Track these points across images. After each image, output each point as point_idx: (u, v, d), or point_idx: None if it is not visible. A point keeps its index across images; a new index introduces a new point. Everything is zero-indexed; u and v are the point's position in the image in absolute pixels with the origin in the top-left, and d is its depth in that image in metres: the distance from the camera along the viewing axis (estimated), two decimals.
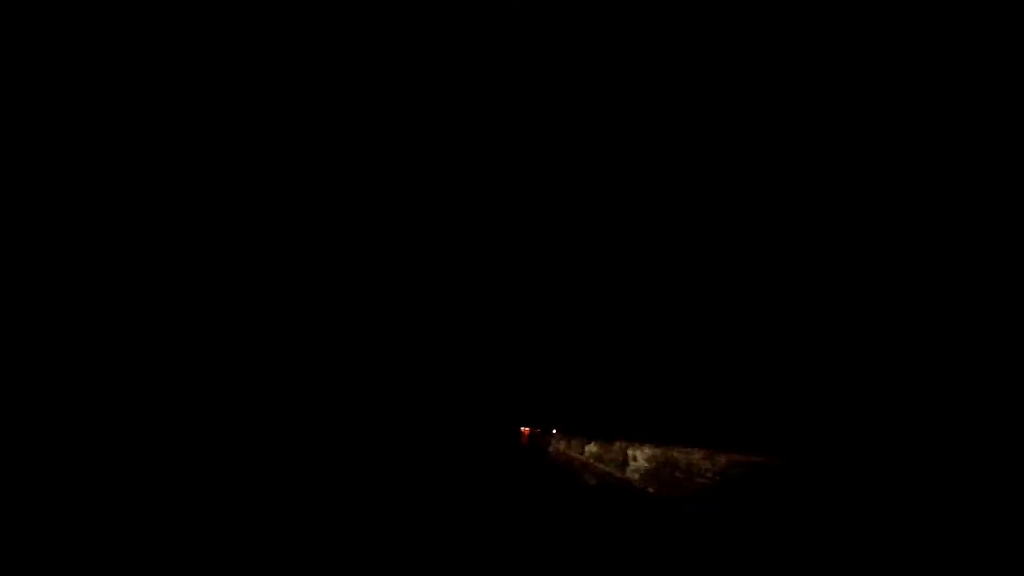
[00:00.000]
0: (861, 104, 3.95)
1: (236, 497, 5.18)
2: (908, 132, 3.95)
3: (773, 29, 3.76)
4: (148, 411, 5.30)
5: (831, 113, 4.03)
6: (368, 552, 3.92)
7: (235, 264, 4.89)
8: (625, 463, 10.23)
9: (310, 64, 4.09)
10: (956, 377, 4.35)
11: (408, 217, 4.79)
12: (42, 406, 4.91)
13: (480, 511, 5.44)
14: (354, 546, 4.05)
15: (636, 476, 8.54)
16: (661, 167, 4.37)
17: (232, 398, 5.49)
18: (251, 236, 4.88)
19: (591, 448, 11.16)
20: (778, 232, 4.41)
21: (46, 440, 4.96)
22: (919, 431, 4.68)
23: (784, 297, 4.59)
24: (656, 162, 4.36)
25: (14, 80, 3.93)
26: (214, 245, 4.92)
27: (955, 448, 4.61)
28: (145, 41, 3.85)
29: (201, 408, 5.36)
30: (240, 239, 4.88)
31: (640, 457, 9.89)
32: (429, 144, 4.50)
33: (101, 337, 4.83)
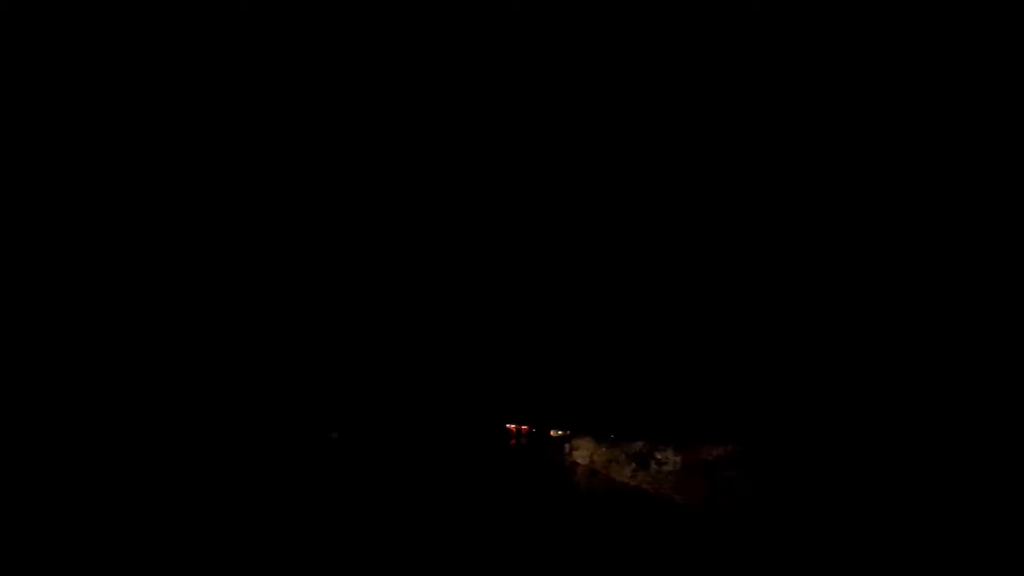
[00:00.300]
0: (862, 105, 3.95)
1: (228, 495, 5.16)
2: (911, 133, 3.96)
3: (773, 29, 3.76)
4: (148, 411, 5.29)
5: (831, 114, 4.03)
6: (361, 552, 3.91)
7: (229, 263, 4.90)
8: (639, 466, 10.16)
9: (310, 64, 4.09)
10: (957, 375, 4.35)
11: (401, 216, 4.80)
12: (42, 406, 4.90)
13: (477, 517, 5.41)
14: (346, 547, 4.04)
15: (651, 480, 8.35)
16: (659, 167, 4.38)
17: (222, 394, 5.48)
18: (245, 235, 4.88)
19: (599, 450, 11.06)
20: (779, 231, 4.41)
21: (46, 440, 4.95)
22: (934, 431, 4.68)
23: (795, 291, 4.58)
24: (654, 162, 4.37)
25: (14, 80, 3.93)
26: (213, 245, 4.92)
27: (967, 448, 4.61)
28: (145, 41, 3.85)
29: (192, 406, 5.35)
30: (236, 239, 4.88)
31: (656, 460, 9.77)
32: (424, 143, 4.51)
33: (101, 337, 4.83)
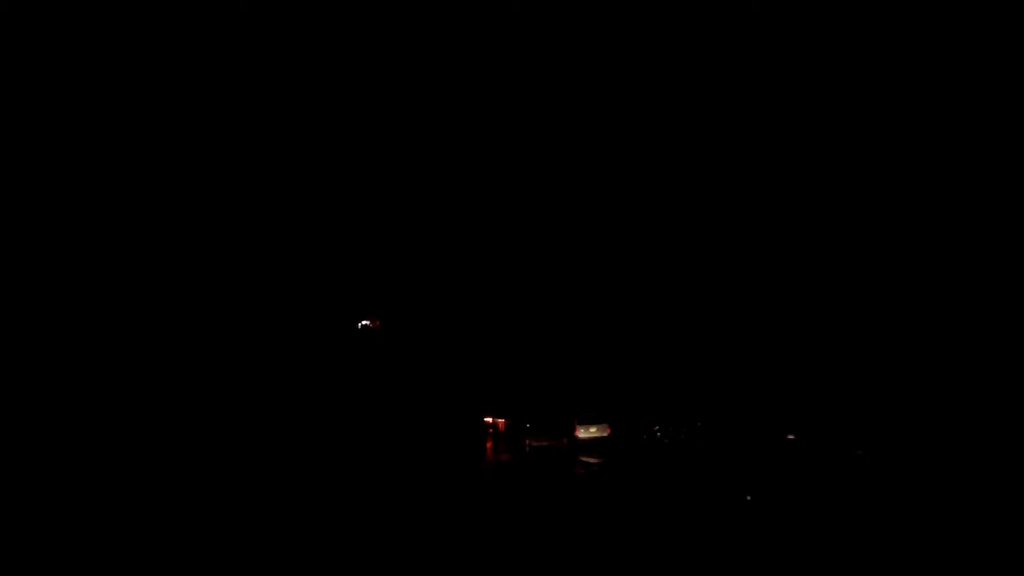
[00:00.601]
0: (860, 104, 3.94)
1: (217, 491, 5.14)
2: (907, 132, 3.95)
3: (773, 29, 3.76)
4: (148, 411, 5.28)
5: (830, 113, 4.02)
6: (355, 549, 3.91)
7: (228, 265, 4.90)
8: (606, 450, 10.11)
9: (310, 64, 4.08)
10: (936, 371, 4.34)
11: (394, 216, 4.78)
12: (42, 406, 4.90)
13: (468, 506, 5.39)
14: (340, 544, 4.04)
15: (621, 463, 8.35)
16: (648, 167, 4.37)
17: (213, 392, 5.47)
18: (237, 234, 4.88)
19: (583, 433, 10.97)
20: (779, 231, 4.41)
21: (46, 440, 4.94)
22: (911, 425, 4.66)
23: (767, 297, 4.58)
24: (643, 162, 4.36)
25: (14, 80, 3.94)
26: (210, 245, 4.92)
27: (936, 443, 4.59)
28: (145, 41, 3.84)
29: (184, 403, 5.32)
30: (228, 238, 4.87)
31: (623, 444, 9.71)
32: (418, 147, 4.50)
33: (101, 337, 4.82)
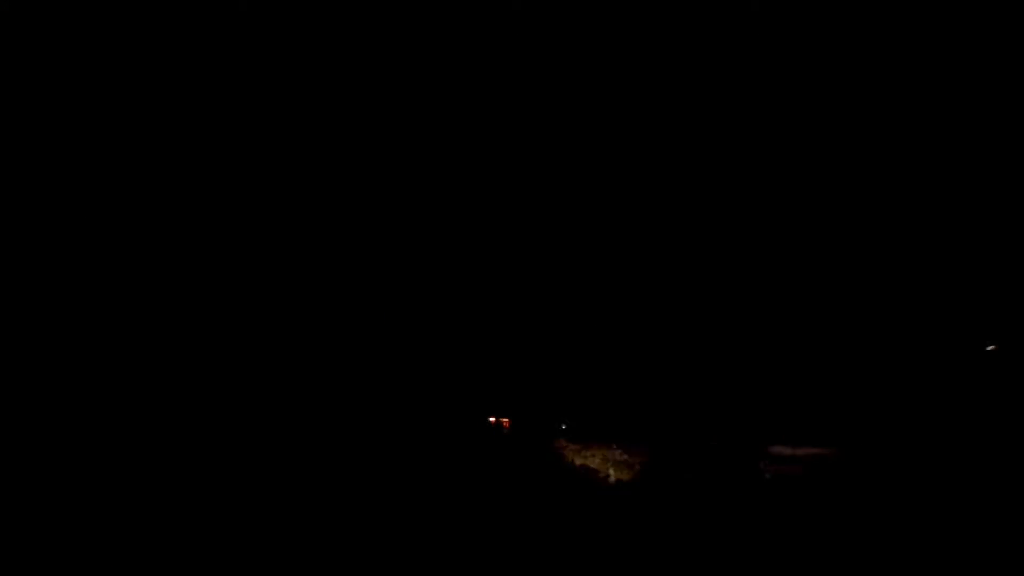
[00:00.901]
0: (860, 104, 3.95)
1: (217, 492, 5.15)
2: (908, 132, 3.96)
3: (773, 29, 3.77)
4: (148, 411, 5.30)
5: (830, 113, 4.03)
6: (356, 551, 3.91)
7: (229, 265, 4.90)
8: (626, 462, 10.16)
9: (310, 64, 4.09)
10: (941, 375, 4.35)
11: (394, 217, 4.80)
12: (42, 406, 4.91)
13: (472, 509, 5.39)
14: (342, 545, 4.04)
15: (637, 476, 8.36)
16: (649, 168, 4.38)
17: (215, 392, 5.48)
18: (244, 238, 4.88)
19: (585, 450, 10.95)
20: (780, 231, 4.42)
21: (46, 440, 4.96)
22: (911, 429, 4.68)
23: (780, 298, 4.59)
24: (645, 163, 4.37)
25: (14, 80, 3.94)
26: (210, 245, 4.92)
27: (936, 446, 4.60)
28: (145, 41, 3.84)
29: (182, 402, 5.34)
30: (235, 241, 4.88)
31: (637, 455, 9.75)
32: (419, 146, 4.50)
33: (101, 337, 4.83)
